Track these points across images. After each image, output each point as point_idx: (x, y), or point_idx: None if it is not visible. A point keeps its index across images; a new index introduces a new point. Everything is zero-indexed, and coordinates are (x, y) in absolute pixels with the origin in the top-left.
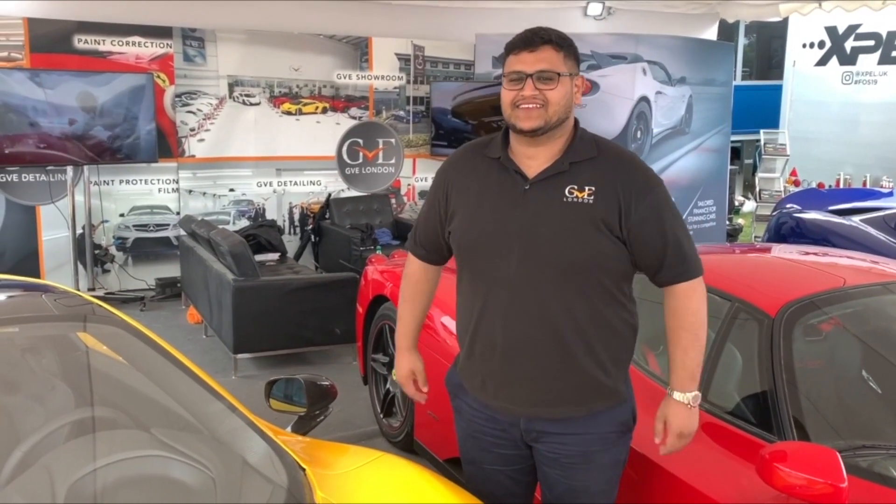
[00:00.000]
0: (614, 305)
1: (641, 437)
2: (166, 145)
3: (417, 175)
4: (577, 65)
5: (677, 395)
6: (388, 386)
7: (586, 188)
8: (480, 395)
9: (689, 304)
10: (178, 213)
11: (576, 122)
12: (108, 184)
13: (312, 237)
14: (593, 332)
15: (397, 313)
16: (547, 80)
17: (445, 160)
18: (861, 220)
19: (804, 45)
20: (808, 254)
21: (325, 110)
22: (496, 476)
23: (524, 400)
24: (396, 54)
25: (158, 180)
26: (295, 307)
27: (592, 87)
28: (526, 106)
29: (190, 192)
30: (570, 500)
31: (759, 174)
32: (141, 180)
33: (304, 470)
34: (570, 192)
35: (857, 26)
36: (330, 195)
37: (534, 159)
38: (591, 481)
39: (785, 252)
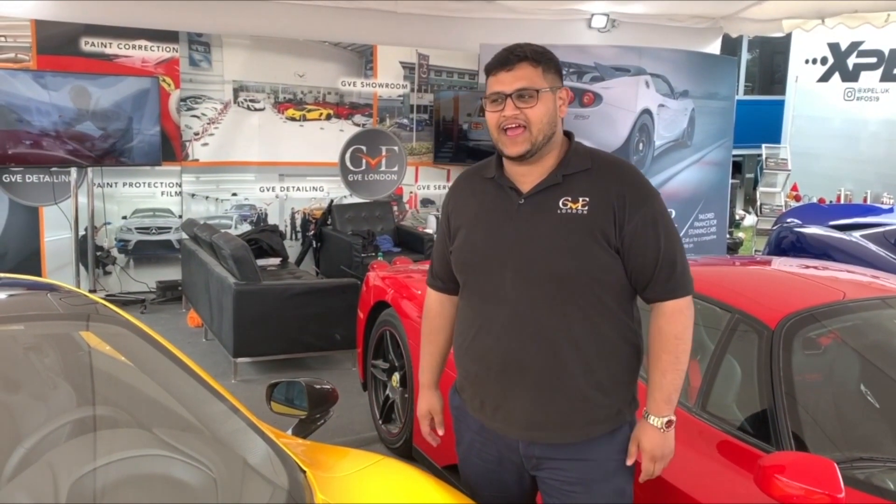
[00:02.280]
0: (614, 323)
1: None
2: (170, 149)
3: (420, 183)
4: (559, 77)
5: (652, 420)
6: (387, 392)
7: (580, 199)
8: (480, 416)
9: (674, 325)
10: (180, 217)
11: (570, 135)
12: (111, 186)
13: (314, 243)
14: (592, 351)
15: (421, 350)
16: (527, 99)
17: (450, 187)
18: (861, 236)
19: (807, 61)
20: (808, 267)
21: (329, 117)
22: (494, 502)
23: (520, 422)
24: (401, 62)
25: (161, 183)
26: (295, 312)
27: (595, 98)
28: (510, 128)
29: (193, 195)
30: None
31: (761, 188)
32: (144, 183)
33: (304, 472)
34: (564, 204)
35: (860, 43)
36: (332, 201)
37: (527, 176)
38: None
39: (785, 265)
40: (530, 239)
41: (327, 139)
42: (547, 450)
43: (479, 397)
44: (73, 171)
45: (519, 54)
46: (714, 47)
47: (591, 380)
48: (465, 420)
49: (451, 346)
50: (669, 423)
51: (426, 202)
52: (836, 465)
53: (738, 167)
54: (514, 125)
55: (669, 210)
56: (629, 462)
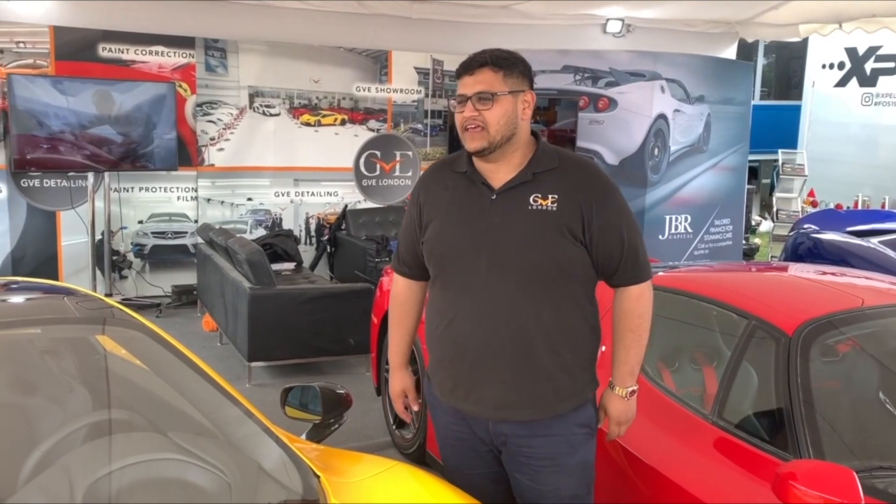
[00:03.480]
0: (578, 309)
1: (654, 452)
2: (186, 154)
3: None
4: (525, 81)
5: (617, 390)
6: None
7: (550, 196)
8: (451, 399)
9: (637, 306)
10: (195, 221)
11: (537, 135)
12: (127, 191)
13: (328, 247)
14: (558, 336)
15: (390, 333)
16: (485, 101)
17: (419, 178)
18: (879, 242)
19: (824, 66)
20: (826, 273)
21: (343, 122)
22: (477, 479)
23: (492, 403)
24: (415, 68)
25: (177, 188)
26: (310, 317)
27: (610, 103)
28: (470, 128)
29: (208, 200)
30: None
31: (777, 194)
32: (160, 188)
33: (318, 477)
34: (535, 201)
35: (878, 48)
36: (346, 206)
37: (496, 172)
38: (561, 485)
39: (802, 271)
40: (503, 233)
41: (342, 144)
42: (515, 427)
43: (452, 381)
44: (91, 175)
45: (480, 60)
46: (730, 52)
47: (558, 362)
48: (439, 404)
49: (417, 327)
50: (633, 392)
51: None
52: (854, 473)
53: (754, 172)
54: (473, 125)
55: (685, 215)
56: (600, 425)
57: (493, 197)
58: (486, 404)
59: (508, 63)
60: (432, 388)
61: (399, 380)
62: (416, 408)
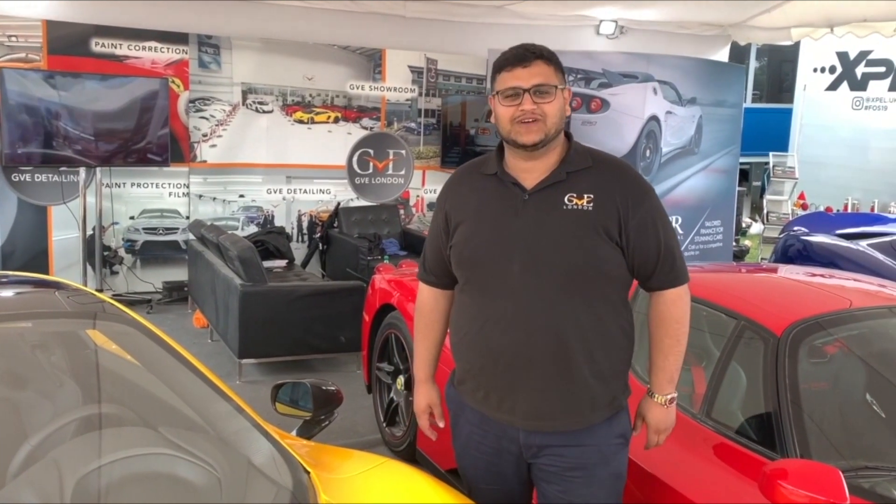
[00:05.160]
0: (615, 313)
1: (645, 452)
2: (178, 150)
3: (426, 187)
4: (564, 78)
5: (656, 398)
6: (391, 395)
7: (585, 196)
8: (483, 408)
9: (675, 310)
10: (187, 218)
11: (569, 135)
12: (119, 186)
13: (320, 245)
14: (595, 340)
15: (413, 345)
16: (544, 94)
17: (444, 185)
18: (868, 245)
19: (815, 70)
20: (814, 275)
21: (336, 120)
22: (492, 494)
23: (526, 412)
24: (409, 67)
25: (169, 184)
26: (301, 314)
27: (603, 104)
28: (525, 121)
29: (200, 196)
30: None
31: (767, 196)
32: (152, 184)
33: (308, 473)
34: (570, 200)
35: (869, 52)
36: (339, 204)
37: (530, 172)
38: (591, 497)
39: (792, 273)
40: (537, 233)
41: (335, 142)
42: (548, 437)
43: (484, 389)
44: (82, 170)
45: (535, 52)
46: (722, 55)
47: (593, 368)
48: (464, 413)
49: (444, 339)
50: (672, 399)
51: (433, 206)
52: (840, 473)
53: (745, 175)
54: (530, 119)
55: (676, 217)
56: (636, 433)
57: (526, 197)
58: (520, 413)
59: (555, 58)
60: (459, 397)
61: (424, 394)
62: (441, 425)
